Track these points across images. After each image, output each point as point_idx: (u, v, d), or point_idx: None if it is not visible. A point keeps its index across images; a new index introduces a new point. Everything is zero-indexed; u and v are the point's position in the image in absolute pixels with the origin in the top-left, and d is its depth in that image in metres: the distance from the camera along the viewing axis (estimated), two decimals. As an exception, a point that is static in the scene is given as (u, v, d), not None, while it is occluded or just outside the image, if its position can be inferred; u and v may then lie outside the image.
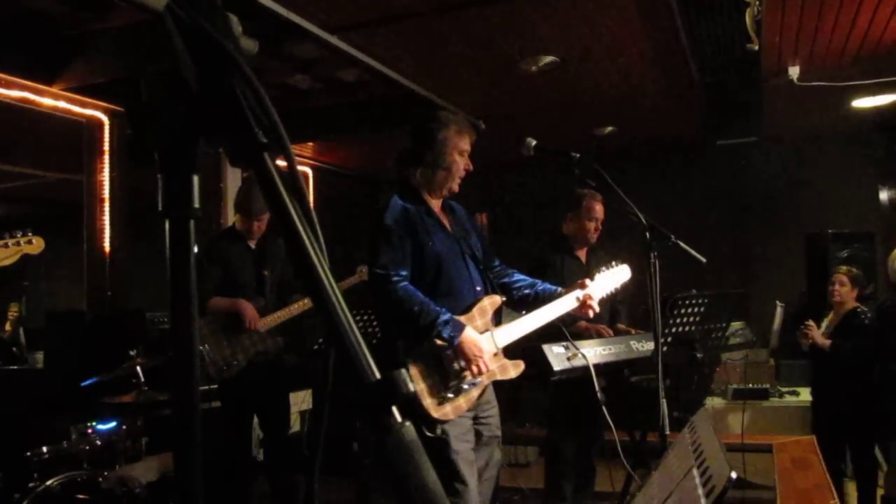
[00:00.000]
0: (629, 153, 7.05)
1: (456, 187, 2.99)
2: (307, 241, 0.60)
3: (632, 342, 3.95)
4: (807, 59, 5.04)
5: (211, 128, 0.63)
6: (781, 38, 4.64)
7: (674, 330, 3.83)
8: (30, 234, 2.31)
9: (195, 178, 0.65)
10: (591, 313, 3.17)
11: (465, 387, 2.78)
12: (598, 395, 3.45)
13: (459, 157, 2.92)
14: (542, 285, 3.21)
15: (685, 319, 3.87)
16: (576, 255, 4.38)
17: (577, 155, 2.89)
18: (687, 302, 3.84)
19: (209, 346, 3.97)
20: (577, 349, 3.56)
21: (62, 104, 4.99)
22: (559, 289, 3.16)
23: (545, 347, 3.52)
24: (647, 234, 2.84)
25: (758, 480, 4.56)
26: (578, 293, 3.11)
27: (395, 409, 0.60)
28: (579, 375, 3.68)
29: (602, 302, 4.42)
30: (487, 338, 2.85)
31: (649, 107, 5.97)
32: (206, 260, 4.07)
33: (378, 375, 0.60)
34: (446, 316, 2.73)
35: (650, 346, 3.93)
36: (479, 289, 3.00)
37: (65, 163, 6.54)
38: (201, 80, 0.61)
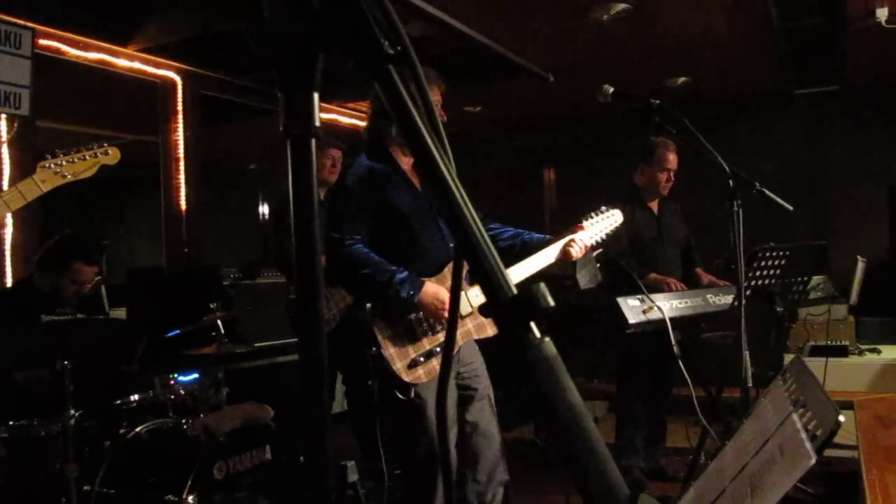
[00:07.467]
0: (703, 104, 6.81)
1: None
2: (436, 154, 0.59)
3: (708, 296, 3.87)
4: (896, 0, 4.75)
5: (332, 43, 0.62)
6: (870, -23, 4.38)
7: (753, 283, 3.72)
8: (105, 145, 2.36)
9: (316, 96, 0.64)
10: (574, 253, 2.86)
11: (438, 349, 2.64)
12: (674, 348, 3.40)
13: None
14: (527, 234, 2.97)
15: (765, 272, 3.74)
16: (647, 207, 4.28)
17: (657, 101, 2.79)
18: (767, 254, 3.71)
19: None
20: (652, 302, 3.50)
21: (137, 65, 5.08)
22: (546, 236, 2.93)
23: (620, 300, 3.47)
24: (730, 182, 2.73)
25: (838, 439, 4.44)
26: (563, 241, 2.87)
27: (533, 324, 0.58)
28: (653, 329, 3.63)
29: (673, 249, 4.34)
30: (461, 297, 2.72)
31: (725, 55, 5.73)
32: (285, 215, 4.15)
33: (513, 291, 0.59)
34: (402, 274, 2.59)
35: (727, 300, 3.84)
36: (452, 246, 2.84)
37: (139, 124, 6.69)
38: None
